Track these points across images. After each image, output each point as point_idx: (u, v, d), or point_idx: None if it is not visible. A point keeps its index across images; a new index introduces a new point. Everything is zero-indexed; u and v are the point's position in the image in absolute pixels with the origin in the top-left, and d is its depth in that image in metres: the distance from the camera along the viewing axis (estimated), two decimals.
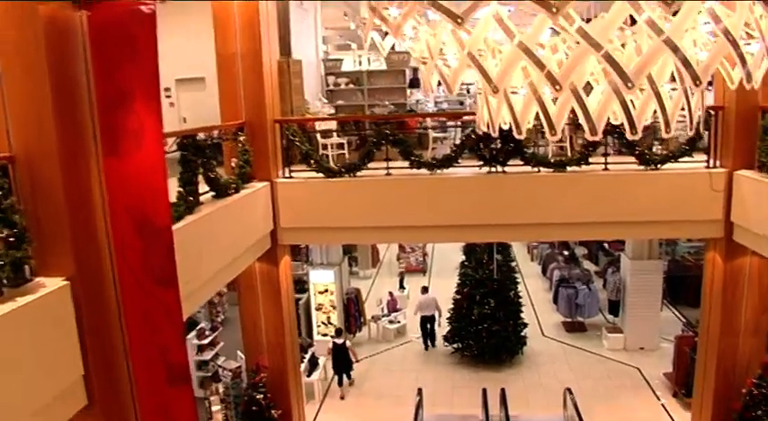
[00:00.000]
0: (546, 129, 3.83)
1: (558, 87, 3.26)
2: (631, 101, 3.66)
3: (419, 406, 10.33)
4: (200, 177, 7.26)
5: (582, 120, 3.64)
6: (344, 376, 12.56)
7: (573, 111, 3.77)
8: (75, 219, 4.62)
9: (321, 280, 13.90)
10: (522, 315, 13.74)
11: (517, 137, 4.15)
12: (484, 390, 10.63)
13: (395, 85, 13.75)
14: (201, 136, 7.72)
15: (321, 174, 9.17)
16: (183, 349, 5.09)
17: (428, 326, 14.34)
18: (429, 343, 14.43)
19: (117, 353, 4.86)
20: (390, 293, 15.93)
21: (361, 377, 13.28)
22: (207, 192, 7.62)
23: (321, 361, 12.80)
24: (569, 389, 10.53)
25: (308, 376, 12.22)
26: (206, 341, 12.41)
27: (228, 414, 10.08)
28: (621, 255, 14.40)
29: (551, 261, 17.85)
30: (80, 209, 4.68)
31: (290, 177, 9.30)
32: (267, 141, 9.06)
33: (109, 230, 4.75)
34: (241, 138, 8.66)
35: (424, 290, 14.80)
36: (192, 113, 13.61)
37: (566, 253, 18.19)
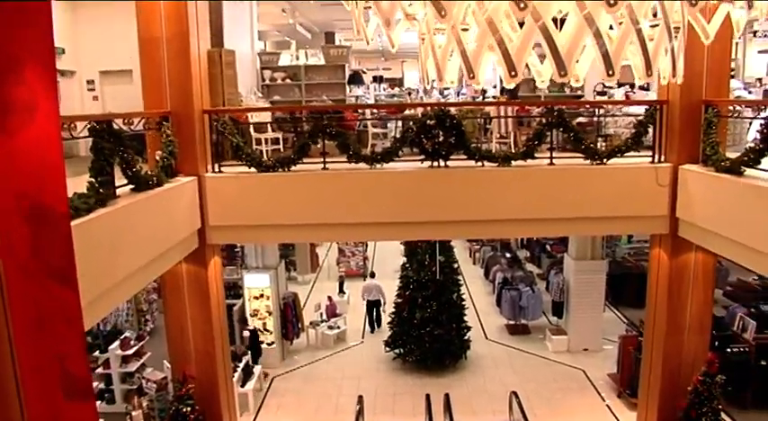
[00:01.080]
0: (504, 74, 3.31)
1: (522, 5, 2.77)
2: (608, 34, 3.20)
3: (359, 414, 9.79)
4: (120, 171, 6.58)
5: (548, 59, 3.16)
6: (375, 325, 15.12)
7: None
8: None
9: (256, 284, 13.19)
10: (466, 318, 13.38)
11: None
12: (427, 396, 10.19)
13: (334, 80, 13.23)
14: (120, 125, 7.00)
15: (253, 170, 8.56)
16: (84, 358, 4.37)
17: (374, 310, 15.30)
18: (375, 325, 15.35)
19: (3, 360, 4.13)
20: (329, 298, 15.34)
21: (299, 385, 12.65)
22: (125, 186, 6.93)
23: (256, 370, 12.10)
24: (515, 393, 10.20)
25: (242, 386, 11.50)
26: (130, 351, 11.54)
27: None
28: (565, 255, 14.26)
29: (494, 263, 17.63)
30: None
31: (220, 172, 8.65)
32: (195, 133, 8.38)
33: None
34: (165, 129, 7.98)
35: (372, 275, 15.94)
36: (117, 107, 12.74)
37: (508, 255, 18.02)
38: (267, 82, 13.22)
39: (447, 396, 10.13)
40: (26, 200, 3.99)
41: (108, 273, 5.76)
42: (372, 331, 15.24)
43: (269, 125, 10.55)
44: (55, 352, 4.23)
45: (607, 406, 11.51)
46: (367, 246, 20.96)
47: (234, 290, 14.96)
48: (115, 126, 6.61)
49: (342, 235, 9.08)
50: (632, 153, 8.71)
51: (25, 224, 3.93)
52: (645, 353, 9.68)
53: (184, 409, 8.49)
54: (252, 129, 10.38)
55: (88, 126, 6.23)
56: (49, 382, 4.22)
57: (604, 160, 8.68)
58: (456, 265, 13.53)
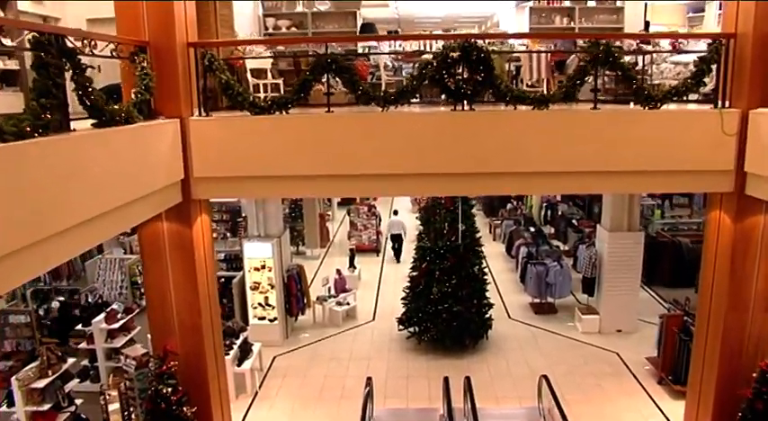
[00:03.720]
0: None
1: None
2: None
3: (368, 398, 8.59)
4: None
5: None
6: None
7: None
8: None
9: (257, 254, 11.98)
10: (488, 294, 12.11)
11: None
12: (445, 379, 8.97)
13: (344, 29, 11.90)
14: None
15: (246, 114, 7.31)
16: None
17: (396, 245, 18.10)
18: (398, 258, 18.06)
19: None
20: (338, 271, 14.13)
21: (303, 366, 11.50)
22: (85, 118, 5.74)
23: (255, 347, 10.94)
24: (545, 377, 8.94)
25: (239, 365, 10.36)
26: (117, 325, 10.43)
27: (134, 412, 8.16)
28: (598, 227, 12.91)
29: (517, 238, 16.31)
30: None
31: (208, 115, 7.41)
32: (177, 69, 7.11)
33: None
34: (140, 61, 6.74)
35: (395, 213, 18.88)
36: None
37: (532, 229, 16.67)
38: (270, 30, 11.92)
39: (468, 379, 8.90)
40: None
41: (46, 218, 4.56)
42: (398, 261, 17.88)
43: (269, 71, 9.30)
44: None
45: (646, 393, 10.23)
46: (380, 220, 19.72)
47: (236, 262, 13.86)
48: (69, 44, 5.37)
49: (349, 188, 7.81)
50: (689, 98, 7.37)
51: None
52: (698, 333, 8.38)
53: (164, 390, 7.33)
54: (249, 75, 9.14)
55: (29, 37, 4.99)
56: None
57: (659, 105, 7.32)
58: (478, 235, 12.22)
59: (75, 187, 5.04)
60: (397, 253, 18.11)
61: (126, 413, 8.09)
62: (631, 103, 7.90)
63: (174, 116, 7.10)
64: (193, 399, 7.72)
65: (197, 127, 7.23)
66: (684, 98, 7.49)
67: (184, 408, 7.50)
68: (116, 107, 5.99)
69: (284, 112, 7.26)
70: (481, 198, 23.60)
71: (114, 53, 6.43)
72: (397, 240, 17.97)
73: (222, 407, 8.38)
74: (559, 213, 18.95)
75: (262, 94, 8.84)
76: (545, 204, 19.99)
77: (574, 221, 17.69)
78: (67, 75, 5.30)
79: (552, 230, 19.30)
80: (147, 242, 7.52)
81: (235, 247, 15.07)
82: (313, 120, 7.34)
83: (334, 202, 24.08)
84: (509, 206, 21.14)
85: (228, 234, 17.59)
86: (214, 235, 17.81)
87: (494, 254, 17.79)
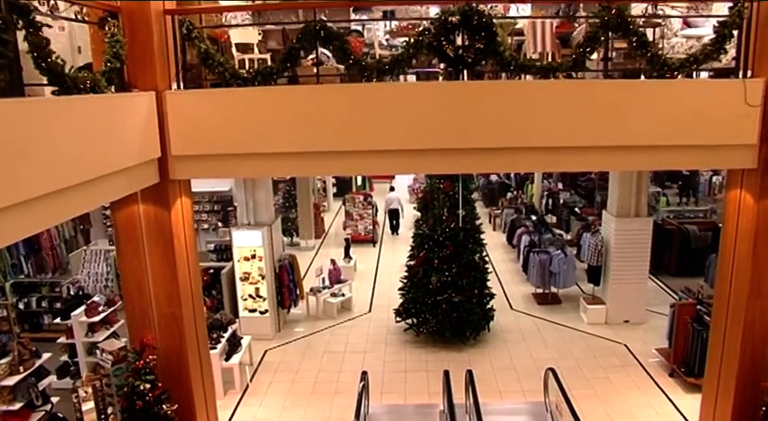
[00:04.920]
0: None
1: None
2: None
3: (362, 394, 8.03)
4: None
5: None
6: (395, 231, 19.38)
7: None
8: None
9: (246, 243, 11.39)
10: (489, 283, 11.54)
11: None
12: (446, 373, 8.40)
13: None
14: None
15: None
16: None
17: (394, 220, 19.51)
18: (395, 231, 19.51)
19: None
20: (333, 261, 13.54)
21: (296, 360, 10.94)
22: (46, 85, 5.17)
23: (245, 341, 10.37)
24: (553, 370, 8.38)
25: (227, 360, 9.79)
26: (97, 318, 9.84)
27: (111, 411, 7.57)
28: (604, 213, 12.34)
29: (518, 226, 15.74)
30: None
31: (187, 88, 6.83)
32: (152, 37, 6.52)
33: None
34: (111, 27, 6.14)
35: (391, 189, 20.43)
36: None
37: (534, 218, 16.10)
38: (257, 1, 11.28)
39: (470, 373, 8.33)
40: None
41: None
42: (395, 233, 19.44)
43: (255, 46, 8.69)
44: None
45: (658, 386, 9.68)
46: (377, 209, 19.14)
47: (226, 253, 13.29)
48: None
49: (340, 166, 7.18)
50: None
51: None
52: (715, 322, 7.83)
53: (142, 386, 6.76)
54: (235, 50, 8.53)
55: None
56: None
57: (675, 74, 6.74)
58: (479, 222, 11.64)
59: (31, 158, 4.46)
60: (395, 227, 19.48)
61: (102, 412, 7.50)
62: (642, 77, 7.33)
63: (149, 88, 6.52)
64: (174, 396, 7.17)
65: (175, 101, 6.64)
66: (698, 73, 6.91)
67: (164, 406, 6.96)
68: (80, 74, 5.42)
69: (271, 85, 6.68)
70: (480, 187, 23.03)
71: (80, 17, 5.84)
72: (394, 215, 19.41)
73: (207, 403, 7.82)
74: (561, 202, 18.38)
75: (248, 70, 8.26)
76: (546, 193, 19.43)
77: (576, 209, 17.11)
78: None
79: (554, 219, 18.73)
80: (122, 226, 6.96)
81: (225, 238, 14.47)
82: (301, 93, 6.75)
83: (329, 193, 23.51)
84: (509, 195, 20.60)
85: (220, 224, 17.02)
86: (205, 226, 17.35)
87: (494, 244, 17.19)
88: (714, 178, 20.97)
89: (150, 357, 6.94)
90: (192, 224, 7.49)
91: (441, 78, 7.22)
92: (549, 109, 6.60)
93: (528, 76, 6.87)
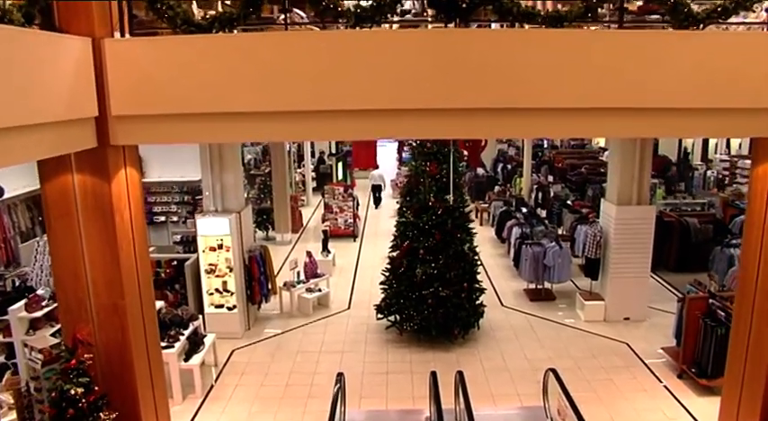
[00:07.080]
0: None
1: None
2: None
3: (338, 398, 6.98)
4: None
5: None
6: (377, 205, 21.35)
7: None
8: None
9: (212, 231, 10.30)
10: (479, 277, 10.55)
11: None
12: (433, 374, 7.39)
13: None
14: None
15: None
16: None
17: (376, 193, 21.80)
18: (377, 205, 21.64)
19: None
20: (309, 254, 12.46)
21: (266, 360, 9.87)
22: None
23: (208, 339, 9.29)
24: (554, 371, 7.40)
25: (186, 360, 8.71)
26: (40, 313, 8.74)
27: (41, 419, 6.44)
28: (603, 201, 11.42)
29: (508, 218, 14.80)
30: None
31: (132, 35, 5.76)
32: None
33: None
34: None
35: (376, 167, 23.86)
36: None
37: (524, 210, 15.16)
38: None
39: (461, 374, 7.32)
40: None
41: None
42: (377, 207, 21.60)
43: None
44: None
45: (667, 389, 8.76)
46: (358, 203, 18.12)
47: (193, 245, 12.17)
48: None
49: (310, 129, 6.05)
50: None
51: None
52: (738, 317, 6.92)
53: (73, 391, 5.66)
54: (195, 5, 7.49)
55: None
56: None
57: (701, 26, 5.81)
58: (468, 210, 10.65)
59: None
60: (377, 200, 21.80)
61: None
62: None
63: (85, 34, 5.44)
64: (116, 402, 6.09)
65: (116, 50, 5.56)
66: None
67: (102, 414, 5.87)
68: None
69: (229, 31, 5.65)
70: (467, 181, 22.07)
71: None
72: (376, 189, 21.75)
73: (157, 409, 6.74)
74: (552, 195, 17.49)
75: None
76: (535, 186, 18.54)
77: (569, 202, 16.21)
78: None
79: (545, 213, 17.82)
80: (53, 198, 5.87)
81: (193, 229, 13.36)
82: (266, 41, 5.71)
83: (308, 187, 22.45)
84: (497, 188, 19.71)
85: (190, 216, 15.88)
86: (174, 218, 16.20)
87: (482, 238, 16.08)
88: (708, 173, 20.32)
89: (85, 356, 5.85)
90: (139, 200, 6.40)
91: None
92: (555, 63, 5.60)
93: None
